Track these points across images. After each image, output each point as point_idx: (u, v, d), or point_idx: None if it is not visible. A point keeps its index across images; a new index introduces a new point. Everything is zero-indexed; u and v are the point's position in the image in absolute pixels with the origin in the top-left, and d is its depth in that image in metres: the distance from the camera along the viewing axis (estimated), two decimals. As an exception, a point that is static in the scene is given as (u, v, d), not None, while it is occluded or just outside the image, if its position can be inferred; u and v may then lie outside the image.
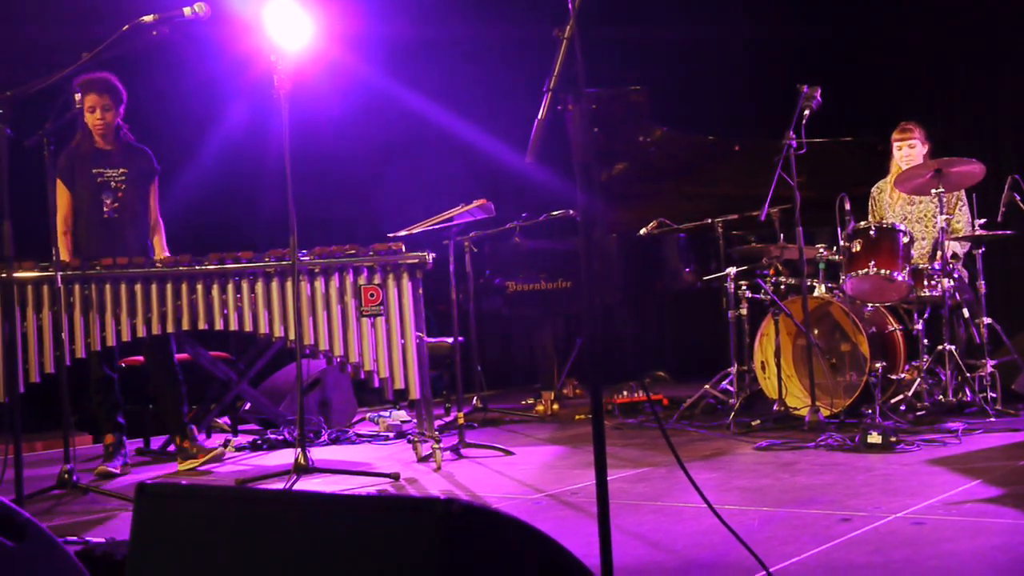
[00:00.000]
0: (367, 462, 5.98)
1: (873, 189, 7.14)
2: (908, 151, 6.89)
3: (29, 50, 7.17)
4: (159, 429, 6.42)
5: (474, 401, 8.08)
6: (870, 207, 7.14)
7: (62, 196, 6.10)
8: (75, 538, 3.93)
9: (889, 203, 7.02)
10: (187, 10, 4.90)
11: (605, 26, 8.99)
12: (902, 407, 6.21)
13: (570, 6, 2.67)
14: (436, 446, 5.59)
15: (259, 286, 5.66)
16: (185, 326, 5.71)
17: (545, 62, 2.73)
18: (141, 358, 6.61)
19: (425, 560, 1.79)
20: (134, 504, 2.29)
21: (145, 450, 6.85)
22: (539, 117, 2.64)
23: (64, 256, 5.95)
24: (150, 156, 6.29)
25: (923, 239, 6.83)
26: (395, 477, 5.22)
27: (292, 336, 5.59)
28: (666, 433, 3.15)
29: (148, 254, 6.13)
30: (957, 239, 6.53)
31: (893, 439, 5.17)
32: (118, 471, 5.99)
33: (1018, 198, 6.26)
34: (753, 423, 6.28)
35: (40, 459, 6.75)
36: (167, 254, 6.18)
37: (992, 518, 3.65)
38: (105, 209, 6.11)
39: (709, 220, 7.48)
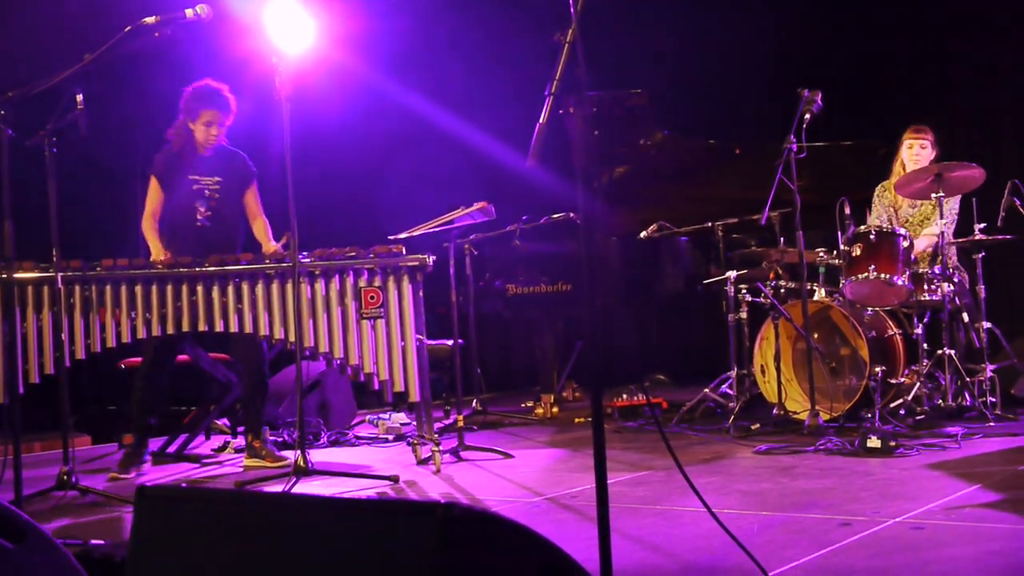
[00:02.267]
0: (366, 464, 5.98)
1: (877, 188, 7.12)
2: (920, 151, 6.86)
3: (30, 51, 7.17)
4: (160, 431, 6.41)
5: (474, 404, 8.08)
6: (873, 204, 7.10)
7: (155, 195, 6.16)
8: (74, 540, 3.93)
9: (894, 203, 7.01)
10: (189, 12, 4.90)
11: (606, 30, 9.01)
12: (901, 411, 6.20)
13: (572, 10, 2.67)
14: (435, 449, 5.59)
15: (259, 288, 5.66)
16: (185, 328, 5.70)
17: (546, 64, 2.73)
18: (140, 359, 6.61)
19: (425, 564, 1.79)
20: (134, 506, 2.29)
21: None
22: (541, 121, 2.65)
23: (156, 251, 5.99)
24: (246, 161, 6.32)
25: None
26: (394, 480, 5.22)
27: (292, 338, 5.59)
28: (666, 437, 3.15)
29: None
30: (954, 243, 6.51)
31: (892, 443, 5.17)
32: (131, 476, 5.93)
33: (1018, 202, 6.26)
34: (752, 427, 6.28)
35: (39, 460, 6.74)
36: (275, 244, 6.16)
37: (991, 523, 3.65)
38: (198, 217, 6.15)
39: (709, 223, 7.49)
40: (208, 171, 6.18)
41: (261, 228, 6.31)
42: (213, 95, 6.10)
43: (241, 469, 6.06)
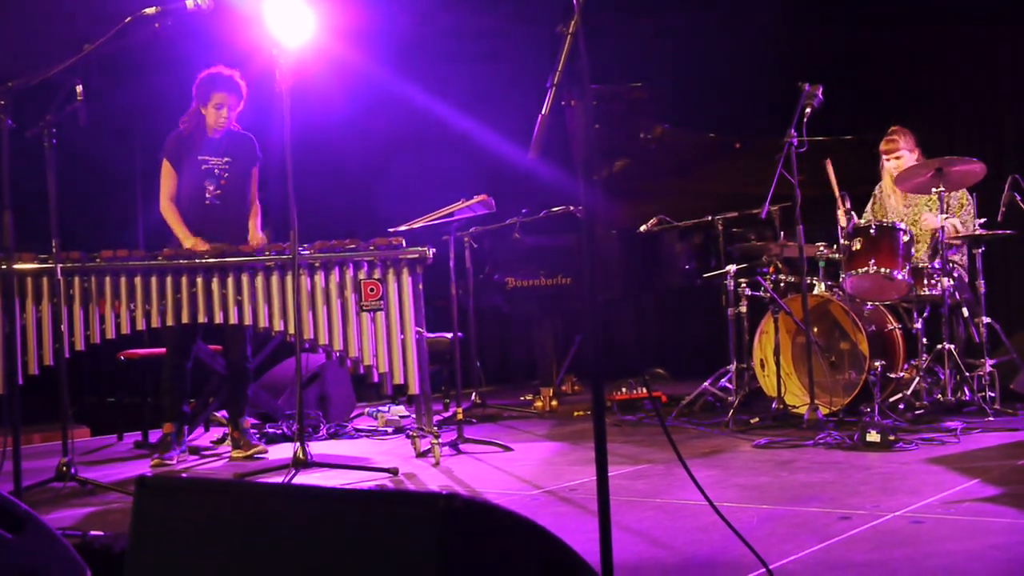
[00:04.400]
0: (366, 457, 5.98)
1: (876, 188, 7.11)
2: (895, 162, 6.84)
3: (30, 41, 7.16)
4: (157, 423, 6.41)
5: (473, 397, 8.08)
6: (870, 204, 7.10)
7: (168, 177, 6.22)
8: (73, 531, 3.93)
9: (892, 204, 6.99)
10: (189, 2, 4.89)
11: (606, 23, 9.00)
12: (901, 406, 6.21)
13: (574, 2, 2.66)
14: (435, 441, 5.59)
15: (259, 280, 5.66)
16: (185, 319, 5.70)
17: (547, 57, 2.72)
18: (145, 351, 6.62)
19: (427, 555, 1.79)
20: (134, 497, 2.29)
21: (143, 443, 6.83)
22: (543, 113, 2.64)
23: (183, 235, 6.06)
24: (254, 143, 6.38)
25: (918, 242, 6.79)
26: (394, 472, 5.22)
27: (292, 330, 5.59)
28: (667, 430, 3.15)
29: (245, 240, 6.20)
30: (953, 240, 6.51)
31: (892, 438, 5.17)
32: (173, 462, 6.02)
33: (1018, 198, 6.26)
34: (752, 421, 6.28)
35: (38, 451, 6.74)
36: (260, 235, 6.27)
37: (990, 517, 3.65)
38: (207, 195, 6.20)
39: (709, 217, 7.49)
40: (218, 152, 6.24)
41: (253, 211, 6.37)
42: (224, 79, 6.19)
43: (240, 462, 6.06)
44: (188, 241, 6.00)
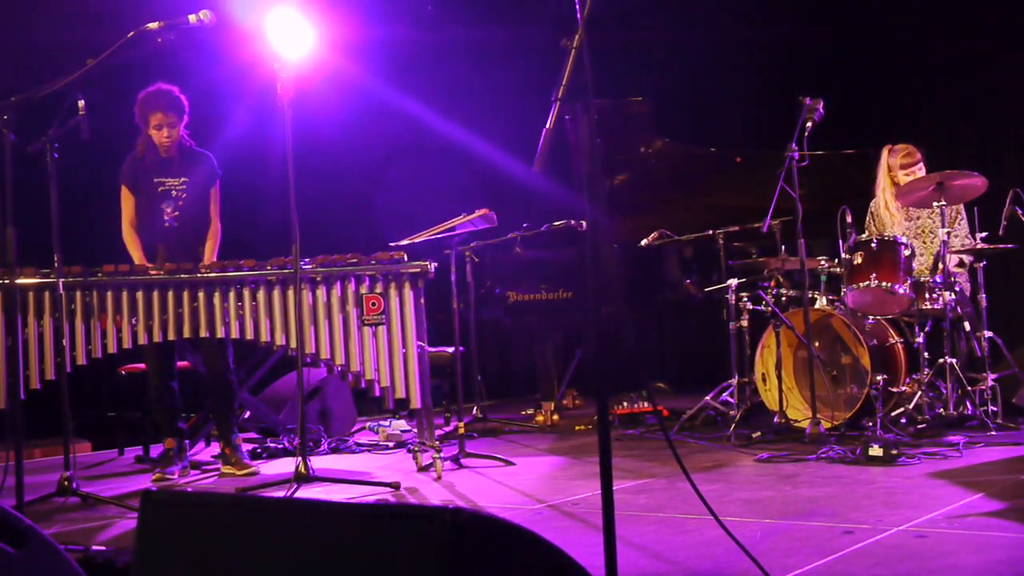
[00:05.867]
0: (367, 471, 5.97)
1: (872, 204, 7.11)
2: (914, 176, 6.84)
3: (33, 55, 7.17)
4: (158, 437, 6.40)
5: (474, 411, 8.07)
6: (868, 221, 7.10)
7: (127, 201, 6.18)
8: (76, 545, 3.92)
9: (889, 218, 7.00)
10: (192, 17, 4.91)
11: (607, 37, 9.00)
12: (903, 420, 6.20)
13: (578, 16, 2.67)
14: (436, 456, 5.59)
15: (260, 294, 5.66)
16: (186, 334, 5.70)
17: (548, 68, 2.72)
18: (142, 366, 6.60)
19: (433, 570, 1.79)
20: (139, 512, 2.29)
21: (144, 458, 6.83)
22: (547, 127, 2.65)
23: (136, 256, 6.05)
24: (211, 161, 6.33)
25: (922, 255, 6.81)
26: (395, 487, 5.21)
27: (293, 345, 5.59)
28: (672, 444, 3.15)
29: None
30: (956, 252, 6.51)
31: (894, 452, 5.16)
32: (175, 477, 6.01)
33: (1020, 211, 6.26)
34: (754, 435, 6.27)
35: (40, 466, 6.73)
36: (214, 260, 6.16)
37: (995, 532, 3.65)
38: (166, 218, 6.16)
39: (710, 231, 7.49)
40: (173, 172, 6.18)
41: (211, 231, 6.31)
42: (157, 97, 6.07)
43: (242, 477, 6.04)
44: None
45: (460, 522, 1.80)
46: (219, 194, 6.33)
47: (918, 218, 6.93)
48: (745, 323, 6.85)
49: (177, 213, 6.16)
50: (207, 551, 2.15)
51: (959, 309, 6.34)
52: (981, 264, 6.42)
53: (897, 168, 6.91)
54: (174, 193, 6.16)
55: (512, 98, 9.79)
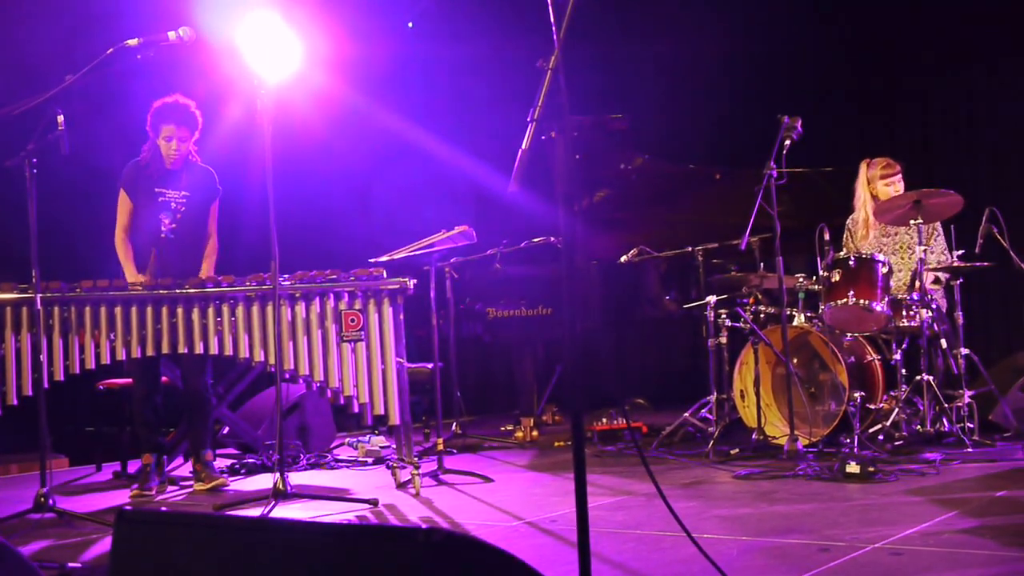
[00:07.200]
0: (346, 488, 5.96)
1: (848, 221, 7.16)
2: (894, 187, 6.91)
3: (12, 71, 7.15)
4: (136, 453, 6.39)
5: (453, 427, 8.07)
6: (845, 239, 7.14)
7: (125, 207, 6.19)
8: (51, 563, 3.91)
9: (863, 235, 7.04)
10: (172, 34, 4.92)
11: (586, 53, 9.04)
12: (880, 437, 6.22)
13: (555, 37, 2.69)
14: (415, 472, 5.59)
15: (240, 310, 5.65)
16: (165, 350, 5.68)
17: (530, 87, 2.74)
18: (124, 380, 6.58)
19: (406, 589, 1.79)
20: (113, 530, 2.28)
21: (122, 474, 6.80)
22: (523, 147, 2.66)
23: (129, 273, 6.06)
24: (213, 177, 6.36)
25: (899, 271, 6.86)
26: (374, 503, 5.21)
27: (272, 361, 5.58)
28: (646, 462, 3.16)
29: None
30: (933, 270, 6.55)
31: (871, 469, 5.19)
32: (153, 493, 6.00)
33: (995, 230, 6.31)
34: (732, 452, 6.29)
35: (16, 481, 6.70)
36: (210, 271, 6.22)
37: (969, 549, 3.66)
38: (163, 229, 6.18)
39: (690, 248, 7.52)
40: (175, 185, 6.21)
41: (209, 248, 6.34)
42: (173, 110, 6.13)
43: (219, 491, 6.03)
44: (132, 278, 5.97)
45: (434, 542, 1.80)
46: (218, 212, 6.36)
47: (896, 234, 6.98)
48: (724, 340, 6.87)
49: (175, 225, 6.17)
50: (181, 571, 2.15)
51: (936, 326, 6.38)
52: (958, 281, 6.46)
53: (877, 180, 6.97)
54: (173, 205, 6.17)
55: (493, 115, 9.81)
